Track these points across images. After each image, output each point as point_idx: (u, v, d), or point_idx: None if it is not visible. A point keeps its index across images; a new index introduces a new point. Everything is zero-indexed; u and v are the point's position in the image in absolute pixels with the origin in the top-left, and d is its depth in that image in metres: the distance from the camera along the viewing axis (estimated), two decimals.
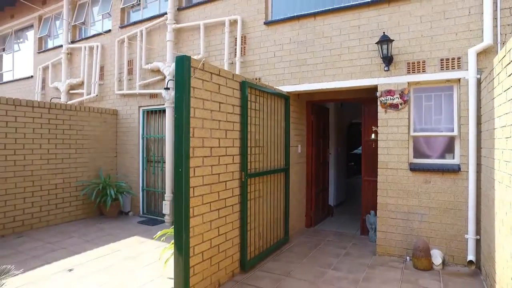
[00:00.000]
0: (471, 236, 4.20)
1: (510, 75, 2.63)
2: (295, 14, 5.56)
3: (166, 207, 6.72)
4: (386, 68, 4.78)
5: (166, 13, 6.88)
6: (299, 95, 5.99)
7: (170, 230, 4.20)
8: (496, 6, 4.13)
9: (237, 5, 6.12)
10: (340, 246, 5.33)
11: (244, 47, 6.03)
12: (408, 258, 4.62)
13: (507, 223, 2.68)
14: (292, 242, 5.56)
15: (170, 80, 6.61)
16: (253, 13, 5.95)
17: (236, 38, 6.08)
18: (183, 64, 3.30)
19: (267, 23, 5.80)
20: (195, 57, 6.39)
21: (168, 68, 6.70)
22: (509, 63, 2.66)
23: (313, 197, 6.62)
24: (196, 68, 3.42)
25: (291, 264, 4.56)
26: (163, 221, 6.87)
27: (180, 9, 6.88)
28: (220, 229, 3.86)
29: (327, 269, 4.38)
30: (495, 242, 3.20)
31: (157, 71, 7.08)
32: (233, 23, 6.11)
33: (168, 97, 6.62)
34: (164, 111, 6.99)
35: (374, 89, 5.00)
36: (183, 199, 3.30)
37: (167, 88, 6.54)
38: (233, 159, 4.06)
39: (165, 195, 6.78)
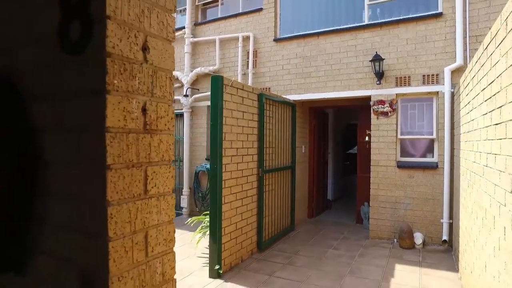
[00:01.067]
0: (445, 220, 5.14)
1: (467, 94, 3.55)
2: (300, 33, 6.46)
3: (184, 201, 7.59)
4: (378, 82, 5.70)
5: (183, 27, 7.73)
6: (303, 102, 6.89)
7: (201, 217, 5.08)
8: (466, 34, 5.07)
9: (249, 22, 7.00)
10: (339, 232, 6.25)
11: (256, 60, 6.91)
12: (395, 240, 5.55)
13: (465, 205, 3.60)
14: (297, 230, 6.46)
15: (188, 88, 7.47)
16: (264, 30, 6.84)
17: (248, 52, 6.96)
18: (217, 82, 4.19)
19: (276, 40, 6.70)
20: (210, 67, 7.27)
21: (186, 77, 7.55)
22: (467, 85, 3.57)
23: (315, 192, 7.53)
24: (227, 85, 4.31)
25: (298, 246, 5.46)
26: (181, 214, 7.73)
27: (196, 24, 7.74)
28: (243, 214, 4.75)
29: (328, 249, 5.29)
30: (459, 221, 4.13)
31: (176, 80, 7.93)
32: (246, 38, 6.99)
33: (186, 103, 7.49)
34: (182, 115, 7.84)
35: (368, 98, 5.92)
36: (217, 190, 4.18)
37: (185, 95, 7.40)
38: (252, 158, 4.95)
39: (183, 190, 7.64)
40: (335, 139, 9.59)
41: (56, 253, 1.02)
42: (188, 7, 7.61)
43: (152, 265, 1.05)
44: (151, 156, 1.06)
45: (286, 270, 4.44)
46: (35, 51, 1.06)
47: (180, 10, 8.09)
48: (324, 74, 6.21)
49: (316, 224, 6.93)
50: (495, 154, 2.07)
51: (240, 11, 7.20)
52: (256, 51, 6.91)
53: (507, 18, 1.81)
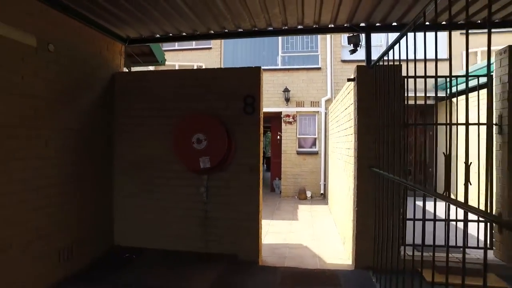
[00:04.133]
0: (322, 182, 9.30)
1: (331, 116, 7.53)
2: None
3: None
4: (286, 104, 9.54)
5: None
6: None
7: None
8: (332, 80, 9.33)
9: (201, 55, 10.01)
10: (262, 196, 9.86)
11: None
12: (296, 196, 9.47)
13: (330, 170, 7.61)
14: None
15: None
16: (212, 63, 9.95)
17: None
18: None
19: None
20: None
21: None
22: (331, 112, 7.55)
23: None
24: None
25: None
26: None
27: None
28: None
29: None
30: (328, 180, 8.19)
31: None
32: (199, 67, 9.97)
33: None
34: None
35: (280, 113, 9.70)
36: None
37: None
38: None
39: None
40: None
41: (239, 163, 4.21)
42: None
43: (260, 168, 4.36)
44: (260, 138, 4.36)
45: None
46: (232, 112, 4.22)
47: None
48: None
49: None
50: (337, 142, 5.92)
51: (194, 46, 10.13)
52: None
53: (337, 98, 5.60)
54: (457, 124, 3.66)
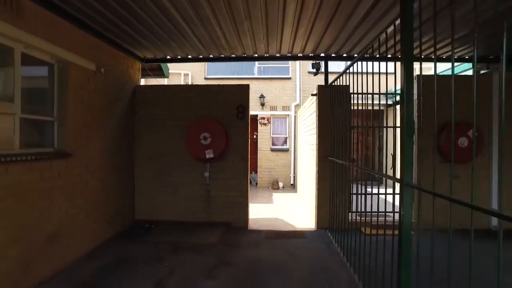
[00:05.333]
0: (292, 174, 10.98)
1: (300, 119, 9.19)
2: (220, 76, 11.28)
3: None
4: (262, 108, 11.12)
5: None
6: None
7: None
8: (300, 88, 11.04)
9: (188, 64, 11.32)
10: None
11: None
12: (270, 187, 11.08)
13: (299, 164, 9.28)
14: None
15: None
16: (198, 71, 11.32)
17: (187, 83, 11.28)
18: None
19: (205, 78, 11.31)
20: None
21: None
22: (300, 116, 9.22)
23: None
24: None
25: None
26: None
27: None
28: None
29: None
30: (297, 172, 9.87)
31: None
32: (186, 75, 11.30)
33: None
34: None
35: (257, 115, 11.25)
36: None
37: None
38: None
39: None
40: None
41: (233, 155, 5.73)
42: None
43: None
44: (248, 136, 5.90)
45: None
46: (228, 117, 5.72)
47: None
48: None
49: None
50: (304, 140, 7.57)
51: None
52: (192, 83, 11.32)
53: (304, 106, 7.25)
54: (387, 126, 5.41)
